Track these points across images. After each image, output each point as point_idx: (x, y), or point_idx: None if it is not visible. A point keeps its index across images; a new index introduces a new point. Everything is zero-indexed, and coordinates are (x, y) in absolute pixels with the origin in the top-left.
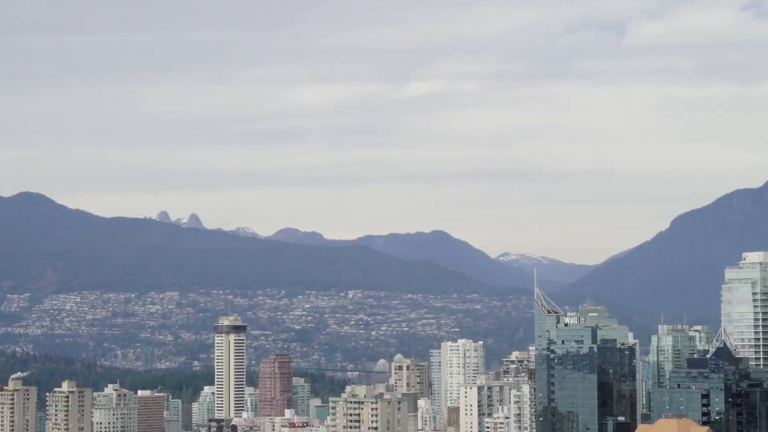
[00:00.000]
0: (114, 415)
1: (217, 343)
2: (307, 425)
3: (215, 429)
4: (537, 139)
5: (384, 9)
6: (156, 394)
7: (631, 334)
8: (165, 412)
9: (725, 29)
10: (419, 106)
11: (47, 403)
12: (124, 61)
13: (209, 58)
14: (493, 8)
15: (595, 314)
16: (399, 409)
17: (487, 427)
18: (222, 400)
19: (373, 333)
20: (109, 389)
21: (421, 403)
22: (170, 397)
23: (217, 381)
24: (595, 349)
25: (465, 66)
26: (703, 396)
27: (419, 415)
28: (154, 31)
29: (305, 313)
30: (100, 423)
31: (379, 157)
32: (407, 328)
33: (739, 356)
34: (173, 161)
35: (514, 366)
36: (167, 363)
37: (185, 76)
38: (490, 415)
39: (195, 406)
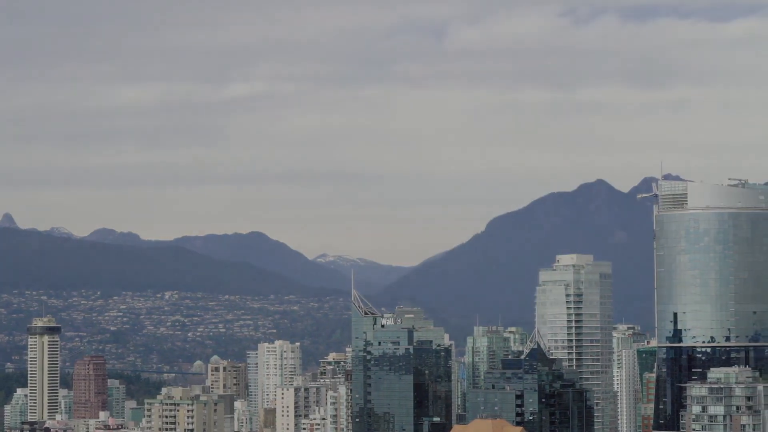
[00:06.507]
0: None
1: (31, 344)
2: (122, 427)
3: None
4: (355, 142)
5: (202, 10)
6: None
7: (446, 336)
8: None
9: (542, 35)
10: (238, 107)
11: None
12: None
13: (22, 54)
14: (311, 10)
15: (412, 316)
16: (215, 410)
17: (304, 428)
18: (35, 403)
19: (189, 334)
20: None
21: (238, 404)
22: None
23: (30, 383)
24: (412, 351)
25: (284, 68)
26: (517, 396)
27: (236, 416)
28: None
29: (121, 314)
30: None
31: (197, 157)
32: (224, 330)
33: (553, 357)
34: None
35: (331, 367)
36: None
37: None
38: (306, 416)
39: (7, 408)
